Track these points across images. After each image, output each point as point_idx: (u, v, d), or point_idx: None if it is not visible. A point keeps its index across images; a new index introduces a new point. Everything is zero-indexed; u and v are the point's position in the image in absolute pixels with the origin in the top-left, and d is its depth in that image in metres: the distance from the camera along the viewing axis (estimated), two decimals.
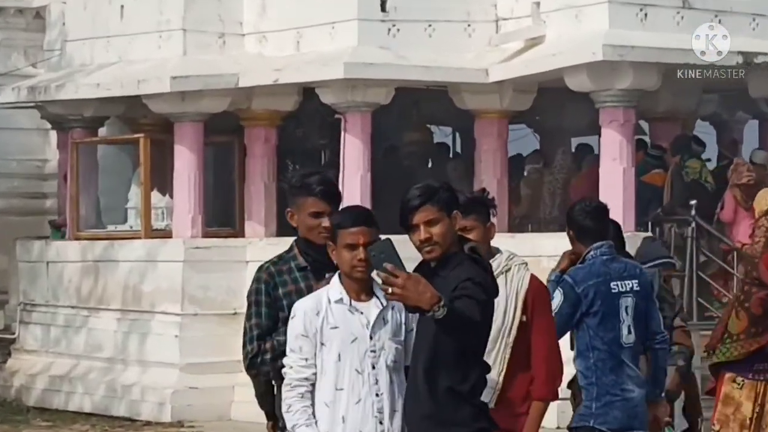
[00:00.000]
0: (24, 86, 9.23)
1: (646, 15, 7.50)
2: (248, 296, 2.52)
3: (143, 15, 8.44)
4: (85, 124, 9.07)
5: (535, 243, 7.19)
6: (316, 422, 2.25)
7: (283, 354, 2.29)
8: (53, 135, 10.08)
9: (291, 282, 2.47)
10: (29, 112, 9.84)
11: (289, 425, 2.29)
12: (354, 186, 7.60)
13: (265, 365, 2.42)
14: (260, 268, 2.54)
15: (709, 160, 8.33)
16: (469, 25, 8.01)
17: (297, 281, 2.48)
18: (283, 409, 2.29)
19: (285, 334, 2.29)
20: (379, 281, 2.02)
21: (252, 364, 2.44)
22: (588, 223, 3.33)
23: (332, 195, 2.53)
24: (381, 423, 2.26)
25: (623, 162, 7.35)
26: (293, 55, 8.03)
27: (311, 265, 2.46)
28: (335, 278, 2.30)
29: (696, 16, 7.54)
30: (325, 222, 2.39)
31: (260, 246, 7.85)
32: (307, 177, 2.60)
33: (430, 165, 9.52)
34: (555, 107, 8.68)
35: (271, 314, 2.46)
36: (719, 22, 7.62)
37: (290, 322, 2.29)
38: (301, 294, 2.40)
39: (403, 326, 2.31)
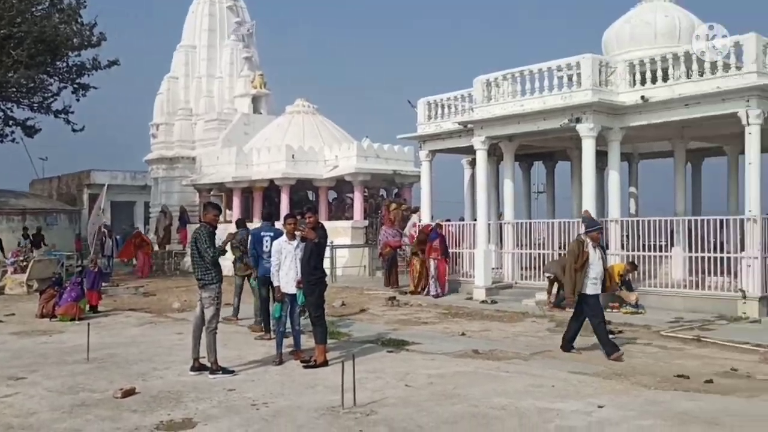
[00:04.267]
0: None
1: (377, 156, 26.32)
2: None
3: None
4: None
5: None
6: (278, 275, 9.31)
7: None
8: None
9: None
10: None
11: (274, 277, 9.41)
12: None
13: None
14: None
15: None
16: (326, 162, 26.33)
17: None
18: (273, 269, 9.45)
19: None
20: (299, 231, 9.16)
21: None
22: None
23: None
24: (296, 274, 9.23)
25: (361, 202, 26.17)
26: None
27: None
28: (285, 234, 9.46)
29: (400, 152, 26.53)
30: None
31: None
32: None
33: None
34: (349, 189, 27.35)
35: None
36: (381, 150, 26.71)
37: (273, 245, 9.73)
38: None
39: (300, 249, 9.21)
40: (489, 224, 17.47)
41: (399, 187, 27.09)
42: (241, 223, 13.72)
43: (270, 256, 10.02)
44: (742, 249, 13.45)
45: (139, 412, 6.86)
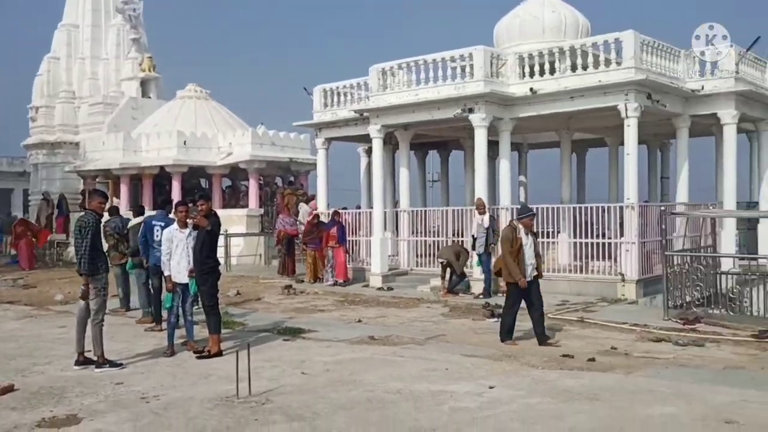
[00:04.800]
0: None
1: (273, 143, 25.98)
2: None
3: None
4: None
5: None
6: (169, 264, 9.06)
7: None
8: None
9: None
10: None
11: (165, 267, 9.14)
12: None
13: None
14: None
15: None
16: (219, 149, 25.81)
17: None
18: (164, 258, 9.17)
19: None
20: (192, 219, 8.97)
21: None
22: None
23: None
24: (188, 263, 9.00)
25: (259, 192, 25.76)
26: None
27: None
28: (176, 222, 9.20)
29: (296, 140, 26.27)
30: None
31: None
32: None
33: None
34: (244, 176, 26.86)
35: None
36: (277, 137, 26.43)
37: (164, 233, 9.45)
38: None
39: (192, 237, 8.98)
40: (385, 212, 17.63)
41: (295, 175, 26.84)
42: (114, 211, 13.33)
43: (161, 245, 9.71)
44: (622, 235, 14.25)
45: (19, 410, 6.48)
